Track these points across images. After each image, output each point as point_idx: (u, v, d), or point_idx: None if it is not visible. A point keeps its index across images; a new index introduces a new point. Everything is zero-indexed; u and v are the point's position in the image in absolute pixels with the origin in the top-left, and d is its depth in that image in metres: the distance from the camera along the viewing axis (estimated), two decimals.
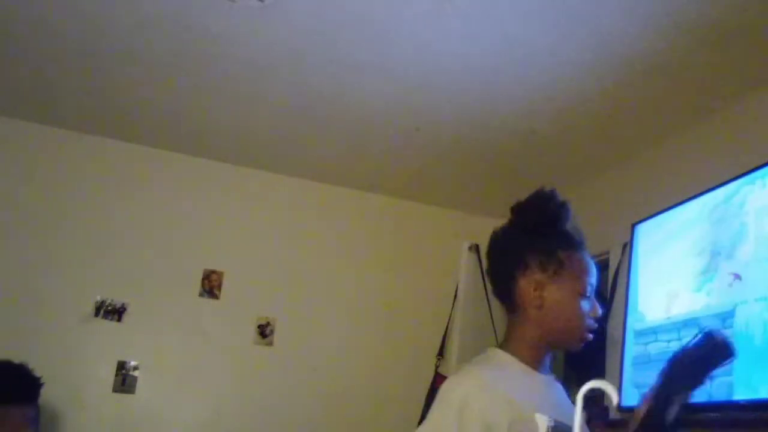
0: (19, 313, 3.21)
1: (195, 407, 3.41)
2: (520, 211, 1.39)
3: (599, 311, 1.35)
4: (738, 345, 1.25)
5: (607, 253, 3.16)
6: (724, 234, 2.29)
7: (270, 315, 3.63)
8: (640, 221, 2.78)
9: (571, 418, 1.17)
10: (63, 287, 3.33)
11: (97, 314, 3.35)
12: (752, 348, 2.02)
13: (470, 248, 3.45)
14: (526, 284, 1.33)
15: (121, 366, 3.33)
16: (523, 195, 1.40)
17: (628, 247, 2.84)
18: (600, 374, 3.14)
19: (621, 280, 2.94)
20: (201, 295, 3.54)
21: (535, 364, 1.35)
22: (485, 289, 3.38)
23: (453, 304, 3.52)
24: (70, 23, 2.54)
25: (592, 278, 1.35)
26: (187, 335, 3.47)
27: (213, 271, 3.59)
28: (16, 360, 2.54)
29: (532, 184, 1.41)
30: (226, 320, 3.55)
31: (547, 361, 1.39)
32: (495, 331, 3.32)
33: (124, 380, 3.32)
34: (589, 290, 1.33)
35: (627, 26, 2.24)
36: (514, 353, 1.34)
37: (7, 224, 3.32)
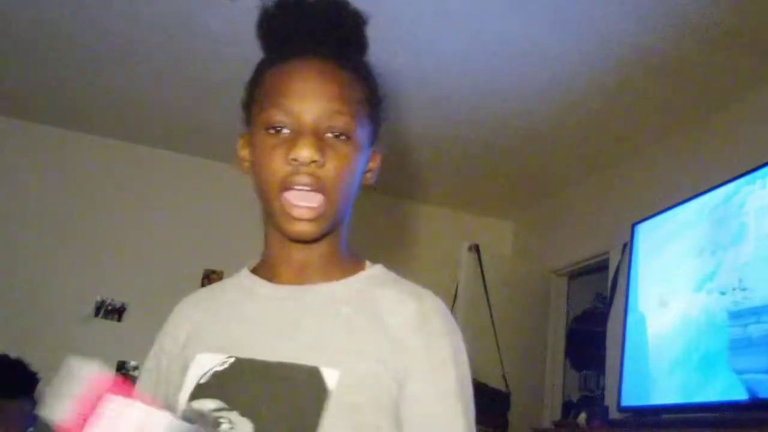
0: (19, 312, 3.21)
1: None
2: None
3: (298, 151, 0.78)
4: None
5: (607, 253, 3.17)
6: (724, 234, 2.29)
7: None
8: (640, 221, 2.78)
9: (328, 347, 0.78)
10: (63, 287, 3.33)
11: (97, 314, 3.35)
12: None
13: (470, 248, 3.44)
14: (238, 147, 0.93)
15: (121, 366, 3.33)
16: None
17: (628, 247, 2.84)
18: (601, 373, 3.15)
19: (621, 280, 2.94)
20: None
21: (284, 270, 0.87)
22: (485, 289, 3.38)
23: (453, 304, 3.51)
24: (70, 24, 2.54)
25: (286, 98, 0.82)
26: None
27: (213, 271, 3.58)
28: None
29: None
30: None
31: (320, 264, 0.87)
32: (495, 331, 3.32)
33: None
34: (277, 119, 0.82)
35: (627, 26, 2.24)
36: (258, 262, 0.95)
37: (8, 224, 3.32)
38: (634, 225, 2.80)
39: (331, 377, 0.76)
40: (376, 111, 0.88)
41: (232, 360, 0.79)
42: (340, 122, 0.81)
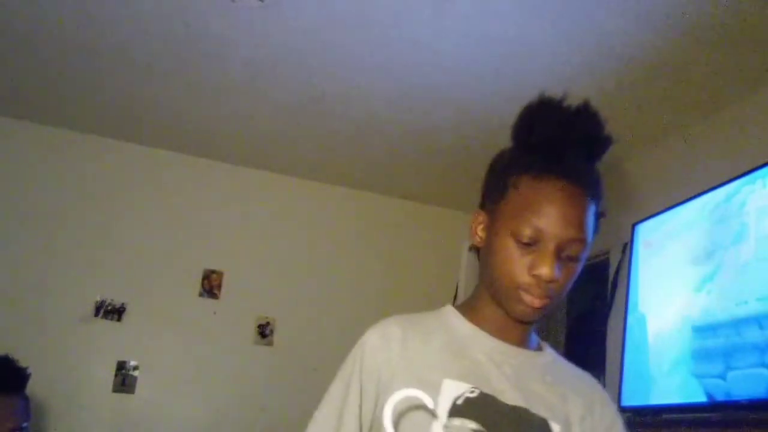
0: (19, 313, 3.21)
1: (195, 407, 3.41)
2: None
3: (542, 270, 0.91)
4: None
5: (607, 253, 3.16)
6: (724, 234, 2.29)
7: (270, 315, 3.63)
8: (640, 221, 2.78)
9: (549, 405, 0.96)
10: (63, 287, 3.33)
11: (97, 314, 3.35)
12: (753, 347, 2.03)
13: (470, 248, 3.43)
14: (474, 219, 1.06)
15: (121, 366, 3.33)
16: None
17: (628, 247, 2.84)
18: (601, 373, 3.14)
19: (621, 280, 2.94)
20: (201, 295, 3.54)
21: (495, 329, 1.01)
22: None
23: (453, 304, 3.52)
24: (70, 23, 2.54)
25: (539, 219, 0.93)
26: (187, 335, 3.47)
27: (213, 271, 3.58)
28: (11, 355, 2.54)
29: None
30: (226, 320, 3.55)
31: (525, 331, 1.03)
32: None
33: (124, 380, 3.32)
34: (528, 235, 0.93)
35: (627, 26, 2.24)
36: (464, 311, 1.07)
37: (7, 224, 3.32)
38: (634, 225, 2.80)
39: (556, 429, 0.95)
40: (598, 223, 1.00)
41: (478, 391, 0.93)
42: (579, 249, 0.94)
